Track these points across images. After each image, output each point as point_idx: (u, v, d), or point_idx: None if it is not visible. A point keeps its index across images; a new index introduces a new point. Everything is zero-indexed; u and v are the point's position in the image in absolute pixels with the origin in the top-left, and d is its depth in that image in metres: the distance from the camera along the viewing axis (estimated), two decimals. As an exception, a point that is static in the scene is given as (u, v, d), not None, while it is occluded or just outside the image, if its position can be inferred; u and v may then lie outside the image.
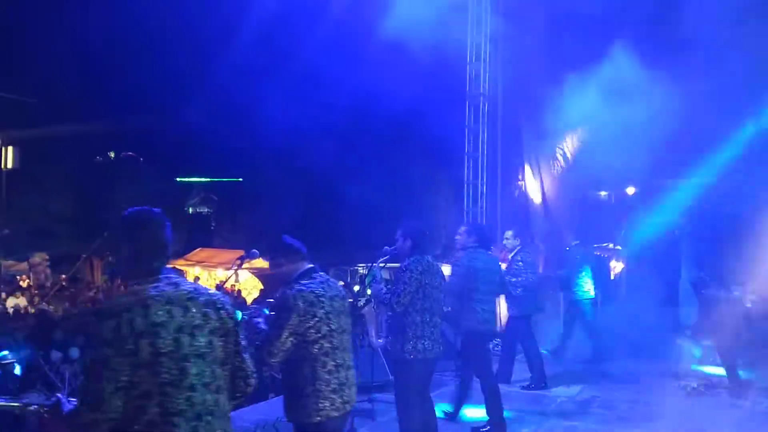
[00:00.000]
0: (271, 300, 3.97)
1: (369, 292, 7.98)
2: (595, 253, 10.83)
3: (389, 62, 13.73)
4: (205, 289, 2.65)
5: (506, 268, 7.47)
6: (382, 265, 5.48)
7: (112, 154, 32.01)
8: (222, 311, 2.55)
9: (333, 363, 3.51)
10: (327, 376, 3.48)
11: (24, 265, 19.63)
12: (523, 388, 7.87)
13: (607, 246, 11.79)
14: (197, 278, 18.28)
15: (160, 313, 2.35)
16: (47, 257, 20.00)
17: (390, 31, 9.62)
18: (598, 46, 9.99)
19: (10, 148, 20.47)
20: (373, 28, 10.75)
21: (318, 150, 23.38)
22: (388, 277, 7.56)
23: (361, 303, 7.19)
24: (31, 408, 3.25)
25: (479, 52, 10.73)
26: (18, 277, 19.05)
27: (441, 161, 19.06)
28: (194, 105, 25.17)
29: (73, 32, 23.11)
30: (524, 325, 8.03)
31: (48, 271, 19.70)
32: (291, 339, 3.44)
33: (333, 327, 3.54)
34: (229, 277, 4.73)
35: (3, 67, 23.66)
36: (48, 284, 17.69)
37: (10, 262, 19.90)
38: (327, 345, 3.50)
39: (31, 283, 18.30)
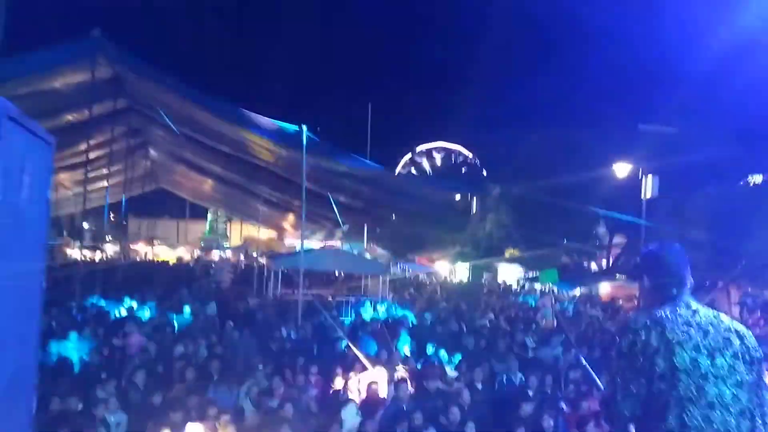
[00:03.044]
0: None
1: None
2: None
3: None
4: (727, 318, 2.75)
5: None
6: None
7: (758, 179, 29.92)
8: (746, 340, 2.64)
9: None
10: None
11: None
12: None
13: None
14: None
15: (677, 332, 2.60)
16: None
17: None
18: None
19: (649, 177, 21.52)
20: None
21: None
22: None
23: None
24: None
25: None
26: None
27: None
28: None
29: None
30: None
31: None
32: None
33: None
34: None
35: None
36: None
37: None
38: None
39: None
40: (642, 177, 21.72)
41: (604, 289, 27.83)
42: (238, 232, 53.78)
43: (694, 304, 2.73)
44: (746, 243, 19.61)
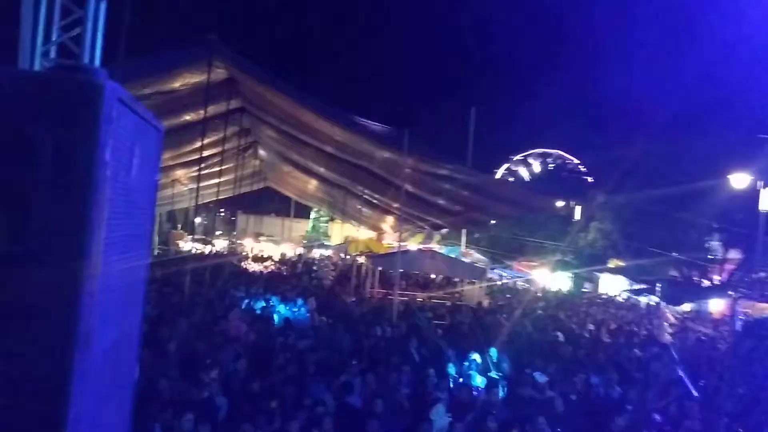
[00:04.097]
0: None
1: None
2: None
3: None
4: None
5: None
6: None
7: None
8: None
9: None
10: None
11: None
12: None
13: None
14: None
15: None
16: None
17: None
18: None
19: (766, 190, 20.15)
20: None
21: None
22: None
23: None
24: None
25: None
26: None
27: None
28: None
29: None
30: None
31: None
32: None
33: None
34: None
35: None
36: None
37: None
38: None
39: None
40: (761, 188, 20.39)
41: (716, 305, 26.31)
42: (339, 231, 54.99)
43: None
44: None
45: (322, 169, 26.26)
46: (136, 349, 2.96)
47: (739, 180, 20.73)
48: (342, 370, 8.97)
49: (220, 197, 27.79)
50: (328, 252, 47.13)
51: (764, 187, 20.30)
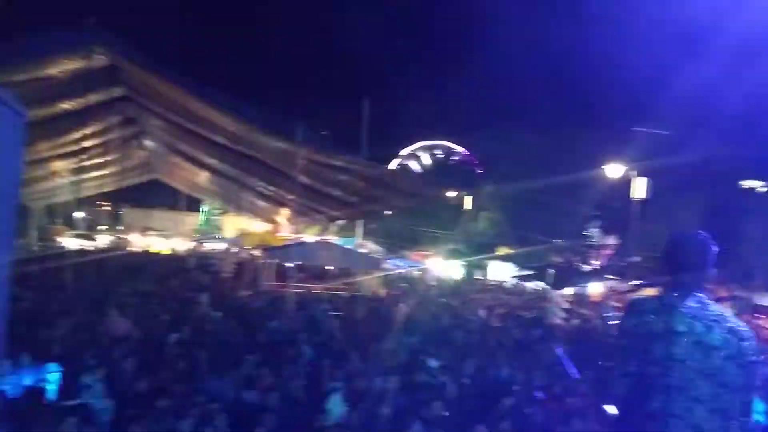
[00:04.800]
0: None
1: None
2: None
3: None
4: (735, 318, 2.74)
5: None
6: None
7: (751, 183, 30.15)
8: (745, 342, 2.63)
9: None
10: None
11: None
12: None
13: None
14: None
15: (682, 322, 2.63)
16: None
17: None
18: None
19: (640, 178, 21.69)
20: None
21: None
22: None
23: None
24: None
25: None
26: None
27: None
28: None
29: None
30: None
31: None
32: None
33: None
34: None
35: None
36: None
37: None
38: None
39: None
40: (632, 178, 21.90)
41: (595, 289, 27.94)
42: (233, 224, 53.79)
43: (705, 299, 2.73)
44: (736, 246, 19.82)
45: (213, 161, 25.57)
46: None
47: (614, 170, 22.15)
48: (236, 364, 8.80)
49: (103, 190, 26.45)
50: (222, 246, 46.04)
51: (635, 176, 21.83)
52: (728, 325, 2.64)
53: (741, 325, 2.68)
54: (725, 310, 2.78)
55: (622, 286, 22.96)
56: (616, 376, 2.76)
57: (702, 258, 2.78)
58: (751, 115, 25.23)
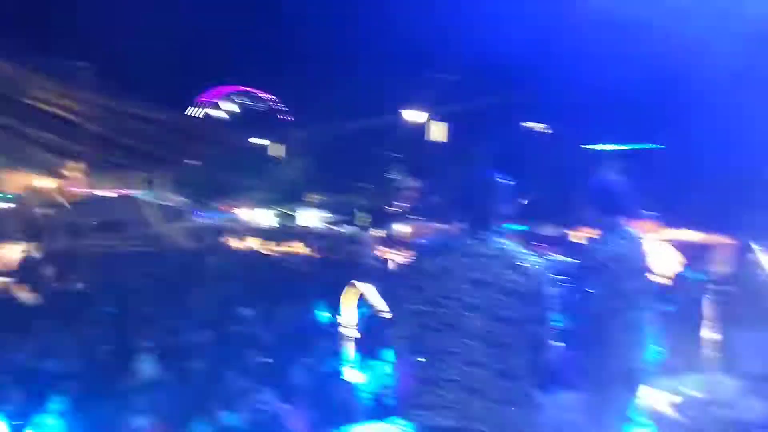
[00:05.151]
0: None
1: None
2: None
3: None
4: (521, 253, 2.70)
5: None
6: None
7: (533, 126, 33.09)
8: (526, 276, 2.61)
9: None
10: None
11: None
12: None
13: None
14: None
15: (454, 260, 2.62)
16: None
17: None
18: None
19: (436, 122, 22.95)
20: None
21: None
22: None
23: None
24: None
25: None
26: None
27: None
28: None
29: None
30: None
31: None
32: None
33: None
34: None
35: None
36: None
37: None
38: None
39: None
40: (427, 122, 23.14)
41: (402, 229, 29.44)
42: (16, 181, 48.38)
43: (488, 236, 2.69)
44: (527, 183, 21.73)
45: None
46: None
47: (415, 115, 23.20)
48: (29, 332, 8.10)
49: None
50: (6, 205, 41.38)
51: (430, 120, 23.04)
52: (507, 260, 2.62)
53: (531, 259, 2.68)
54: (513, 246, 2.74)
55: (425, 226, 24.41)
56: (400, 316, 2.79)
57: (489, 196, 2.76)
58: (534, 63, 27.58)
